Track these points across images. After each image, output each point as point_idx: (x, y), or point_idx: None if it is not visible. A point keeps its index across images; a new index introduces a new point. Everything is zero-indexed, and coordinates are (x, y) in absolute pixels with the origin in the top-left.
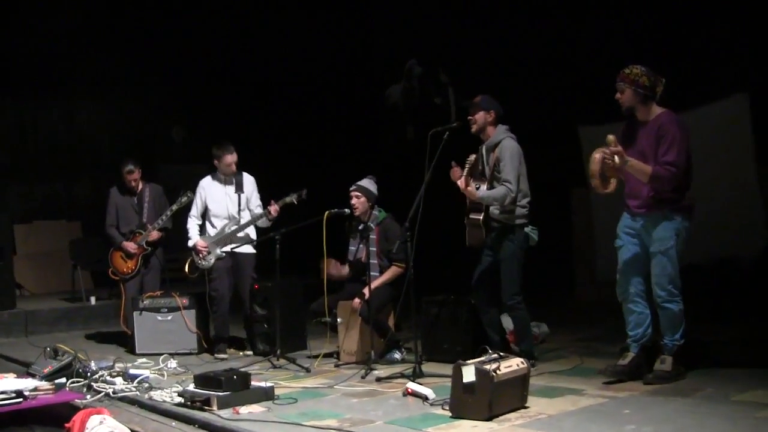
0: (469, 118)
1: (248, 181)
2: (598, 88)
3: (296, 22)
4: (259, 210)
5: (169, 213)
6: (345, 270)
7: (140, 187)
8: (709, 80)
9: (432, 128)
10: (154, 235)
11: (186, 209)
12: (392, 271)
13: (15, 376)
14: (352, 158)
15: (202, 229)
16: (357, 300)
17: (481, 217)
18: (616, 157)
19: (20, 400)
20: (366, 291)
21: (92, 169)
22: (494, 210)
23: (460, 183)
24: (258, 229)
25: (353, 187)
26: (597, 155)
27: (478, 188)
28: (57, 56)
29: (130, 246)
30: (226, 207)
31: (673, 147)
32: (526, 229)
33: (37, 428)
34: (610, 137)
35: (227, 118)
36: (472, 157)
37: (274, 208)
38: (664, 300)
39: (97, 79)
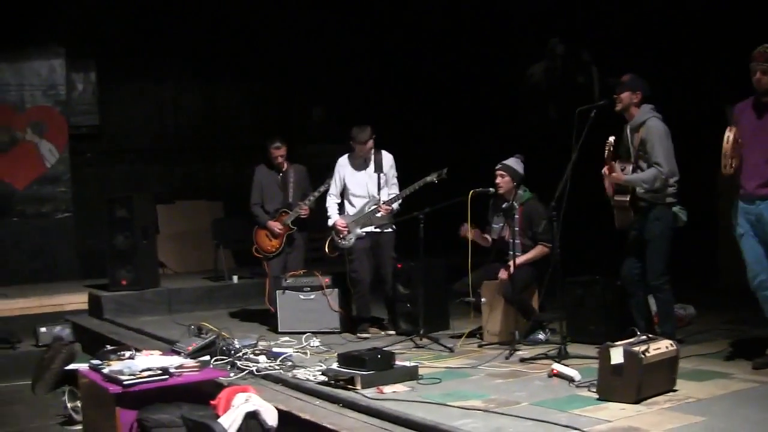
0: (615, 96)
1: (387, 159)
2: (748, 67)
3: (437, 1)
4: (395, 189)
5: (312, 198)
6: (488, 239)
7: (285, 166)
8: None
9: (574, 108)
10: (306, 210)
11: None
12: (538, 250)
13: (160, 353)
14: (495, 137)
15: (341, 208)
16: (503, 271)
17: (628, 199)
18: None
19: (166, 377)
20: (510, 268)
21: (232, 150)
22: (640, 189)
23: (605, 170)
24: (401, 210)
25: (498, 166)
26: (730, 134)
27: (623, 170)
28: (197, 38)
29: (276, 225)
30: (365, 186)
31: None
32: (675, 209)
33: (183, 405)
34: None
35: (368, 98)
36: (612, 139)
37: (386, 209)
38: None
39: (236, 60)
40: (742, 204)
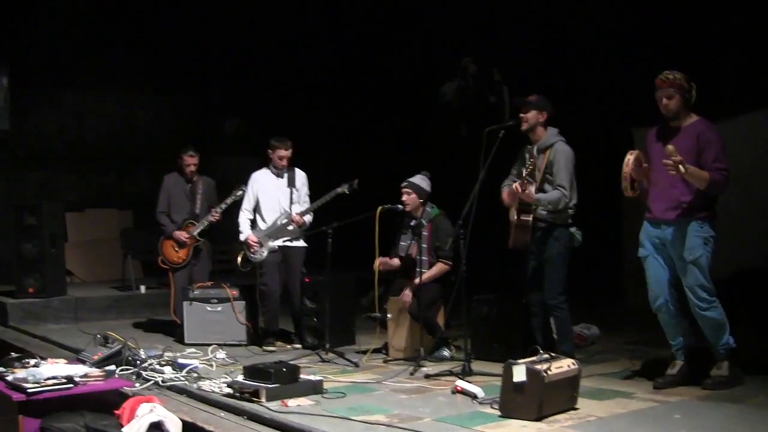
0: (521, 115)
1: (300, 176)
2: (653, 91)
3: (353, 17)
4: (307, 206)
5: (223, 206)
6: (395, 261)
7: (195, 177)
8: (736, 94)
9: (485, 126)
10: (217, 216)
11: (238, 203)
12: (438, 268)
13: (65, 362)
14: (407, 154)
15: (253, 223)
16: (407, 292)
17: (531, 218)
18: (681, 167)
19: (71, 385)
20: (415, 284)
21: (146, 160)
22: (541, 211)
23: (517, 186)
24: (311, 225)
25: (404, 184)
26: (631, 157)
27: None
28: (115, 48)
29: (182, 235)
30: (278, 201)
31: (720, 153)
32: (572, 230)
33: (87, 414)
34: (670, 147)
35: (281, 112)
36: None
37: (298, 219)
38: (702, 308)
39: (153, 71)
40: (649, 227)
